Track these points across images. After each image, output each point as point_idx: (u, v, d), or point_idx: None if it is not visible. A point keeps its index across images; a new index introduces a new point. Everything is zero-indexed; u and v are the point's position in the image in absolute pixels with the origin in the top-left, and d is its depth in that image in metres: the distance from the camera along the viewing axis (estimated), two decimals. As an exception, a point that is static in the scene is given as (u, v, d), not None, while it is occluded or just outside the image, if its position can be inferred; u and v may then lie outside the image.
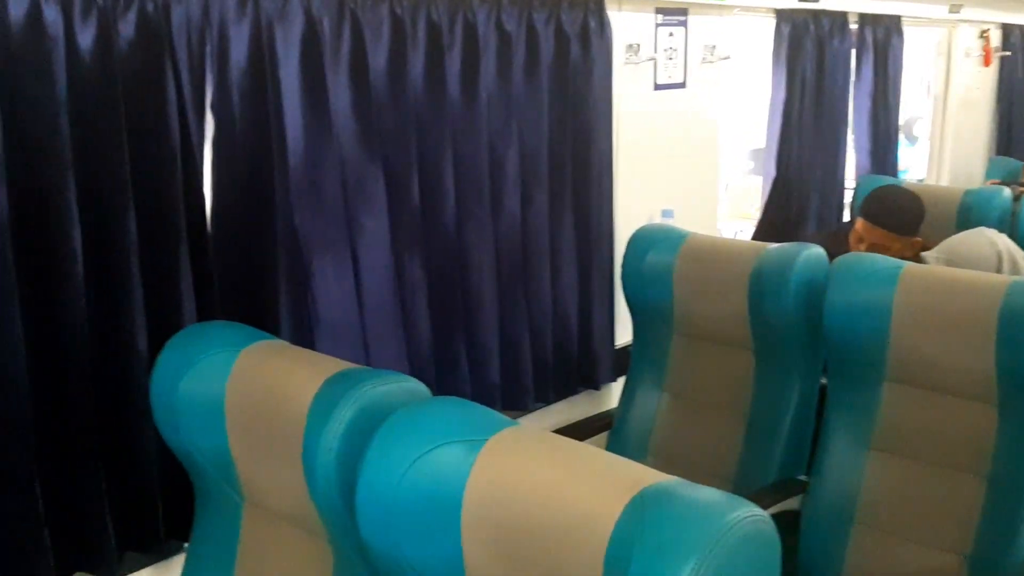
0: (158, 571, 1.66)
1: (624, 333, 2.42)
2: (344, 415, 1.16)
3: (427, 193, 1.93)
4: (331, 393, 1.20)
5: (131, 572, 1.62)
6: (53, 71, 1.36)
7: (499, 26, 2.00)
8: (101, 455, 1.51)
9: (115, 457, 1.53)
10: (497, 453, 1.04)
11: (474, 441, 1.06)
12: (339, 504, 1.16)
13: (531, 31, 2.07)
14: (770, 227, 3.14)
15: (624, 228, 2.35)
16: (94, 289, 1.46)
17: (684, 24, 2.61)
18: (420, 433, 1.09)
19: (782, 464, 1.98)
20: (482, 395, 2.08)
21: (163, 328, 1.50)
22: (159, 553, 1.64)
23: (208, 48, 1.55)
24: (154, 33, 1.46)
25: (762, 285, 1.98)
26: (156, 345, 1.44)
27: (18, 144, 1.35)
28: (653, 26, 2.51)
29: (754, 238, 3.12)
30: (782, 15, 3.03)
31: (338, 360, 1.30)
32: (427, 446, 1.06)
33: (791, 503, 1.92)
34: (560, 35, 2.14)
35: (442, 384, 2.01)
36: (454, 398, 1.16)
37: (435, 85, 1.90)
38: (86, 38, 1.40)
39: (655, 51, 2.53)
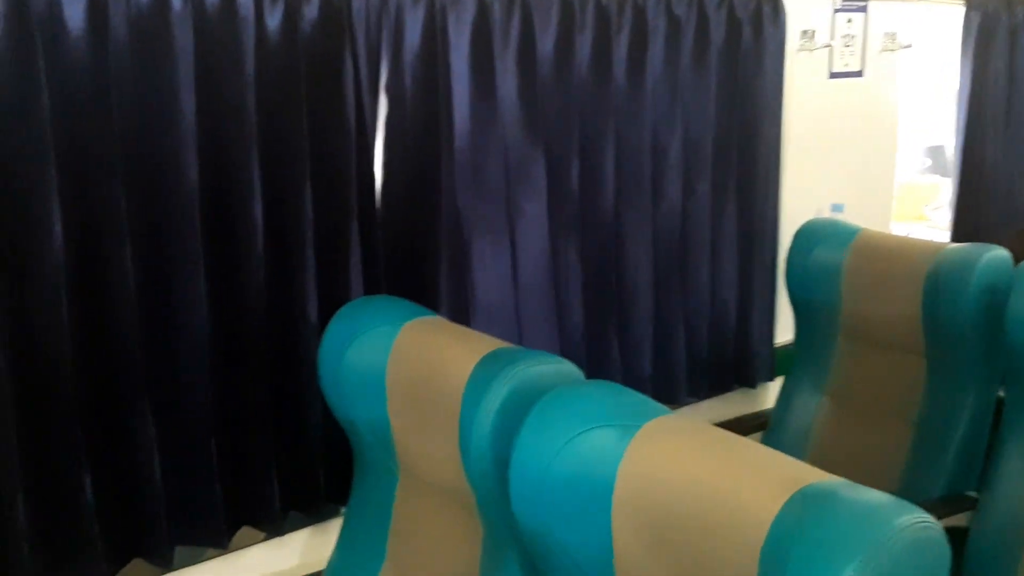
0: (317, 531, 1.75)
1: (784, 331, 2.33)
2: (499, 393, 1.17)
3: (587, 179, 1.92)
4: (487, 371, 1.21)
5: (292, 530, 1.72)
6: (243, 51, 1.44)
7: (669, 10, 1.97)
8: (271, 418, 1.60)
9: (283, 421, 1.62)
10: (652, 439, 1.03)
11: (628, 426, 1.04)
12: (492, 480, 1.18)
13: (702, 16, 2.03)
14: (962, 231, 2.93)
15: (790, 222, 2.25)
16: (271, 260, 1.54)
17: (864, 10, 2.48)
18: (574, 415, 1.08)
19: (951, 478, 1.85)
20: (632, 385, 2.02)
21: (332, 300, 1.57)
22: (318, 515, 1.72)
23: (385, 32, 1.60)
24: (336, 16, 1.53)
25: (939, 287, 1.85)
26: (325, 316, 1.50)
27: (209, 120, 1.44)
28: (831, 12, 2.40)
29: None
30: (972, 3, 2.82)
31: (494, 339, 1.31)
32: (580, 428, 1.06)
33: (959, 519, 1.80)
34: (732, 20, 2.08)
35: (592, 371, 1.99)
36: (608, 382, 1.15)
37: (601, 70, 1.89)
38: (274, 20, 1.48)
39: (831, 38, 2.41)
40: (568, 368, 1.21)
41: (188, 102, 1.42)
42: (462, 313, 1.78)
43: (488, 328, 1.75)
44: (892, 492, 0.78)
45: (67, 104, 1.34)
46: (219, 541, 1.58)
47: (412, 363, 1.37)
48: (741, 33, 2.11)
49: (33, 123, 1.31)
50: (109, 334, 1.43)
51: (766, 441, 2.15)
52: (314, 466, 1.65)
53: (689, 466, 0.99)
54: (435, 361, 1.33)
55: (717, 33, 2.07)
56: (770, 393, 2.35)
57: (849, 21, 2.45)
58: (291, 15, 1.49)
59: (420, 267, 1.74)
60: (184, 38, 1.39)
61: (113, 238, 1.40)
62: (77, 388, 1.40)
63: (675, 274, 2.12)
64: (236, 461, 1.57)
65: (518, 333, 1.86)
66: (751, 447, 1.01)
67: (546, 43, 1.81)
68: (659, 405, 1.09)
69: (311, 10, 1.52)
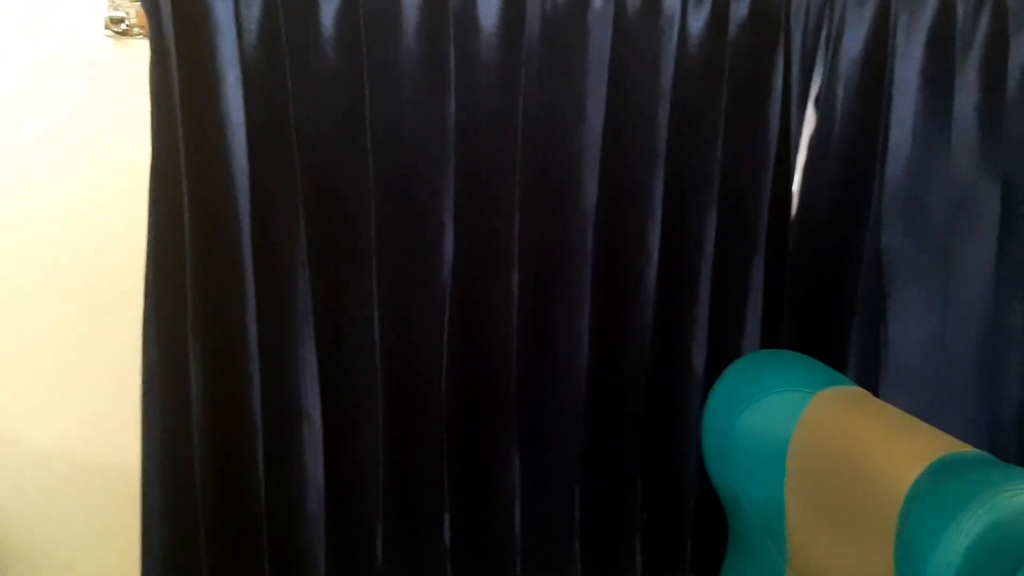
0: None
1: None
2: (970, 528, 0.87)
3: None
4: (946, 486, 0.92)
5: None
6: (662, 56, 1.26)
7: None
8: (641, 474, 1.41)
9: (654, 476, 1.42)
10: None
11: None
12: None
13: None
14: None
15: None
16: (661, 295, 1.35)
17: None
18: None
19: None
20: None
21: (723, 347, 1.35)
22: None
23: (824, 33, 1.34)
24: (771, 15, 1.29)
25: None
26: (712, 366, 1.29)
27: (615, 133, 1.28)
28: None
29: None
30: None
31: (943, 434, 1.02)
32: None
33: None
34: None
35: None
36: None
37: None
38: (698, 20, 1.27)
39: None
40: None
41: (596, 113, 1.26)
42: (870, 375, 1.47)
43: (897, 397, 1.43)
44: None
45: (471, 107, 1.25)
46: None
47: (825, 446, 1.10)
48: None
49: (438, 127, 1.23)
50: (485, 364, 1.32)
51: None
52: (682, 532, 1.44)
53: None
54: (860, 452, 1.05)
55: None
56: None
57: None
58: (718, 15, 1.27)
59: (829, 317, 1.45)
60: (601, 39, 1.23)
61: (502, 258, 1.29)
62: (447, 420, 1.32)
63: None
64: (599, 517, 1.40)
65: (935, 407, 1.51)
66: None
67: (1019, 52, 1.43)
68: None
69: (741, 8, 1.29)
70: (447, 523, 1.36)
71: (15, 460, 1.46)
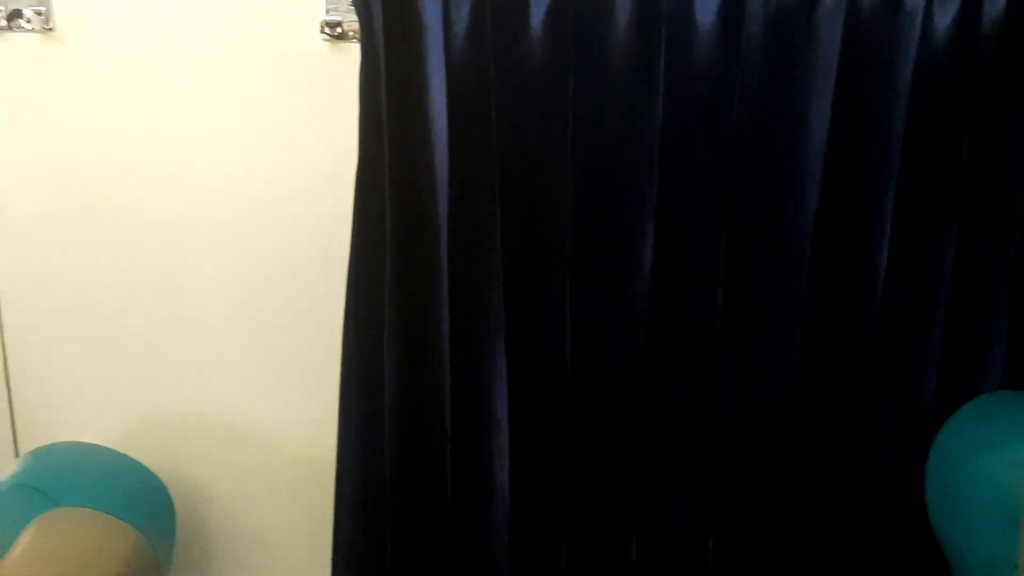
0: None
1: None
2: None
3: None
4: None
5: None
6: (899, 57, 1.12)
7: None
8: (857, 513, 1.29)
9: (871, 520, 1.30)
10: None
11: None
12: None
13: None
14: None
15: None
16: (887, 320, 1.22)
17: None
18: None
19: None
20: None
21: (957, 385, 1.20)
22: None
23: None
24: (1033, 8, 1.12)
25: None
26: (944, 403, 1.15)
27: (842, 139, 1.16)
28: None
29: None
30: None
31: None
32: None
33: None
34: None
35: None
36: None
37: None
38: (944, 17, 1.13)
39: None
40: None
41: (820, 119, 1.14)
42: None
43: None
44: None
45: (680, 111, 1.18)
46: None
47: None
48: None
49: (644, 131, 1.17)
50: (682, 383, 1.25)
51: None
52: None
53: None
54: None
55: None
56: None
57: None
58: (969, 11, 1.12)
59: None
60: (830, 39, 1.12)
61: (705, 273, 1.20)
62: (638, 437, 1.26)
63: None
64: (803, 546, 1.30)
65: None
66: None
67: None
68: None
69: (996, 4, 1.13)
70: (635, 542, 1.30)
71: (228, 446, 1.54)
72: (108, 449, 1.41)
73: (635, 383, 1.27)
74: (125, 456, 1.41)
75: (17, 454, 1.53)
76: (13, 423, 1.53)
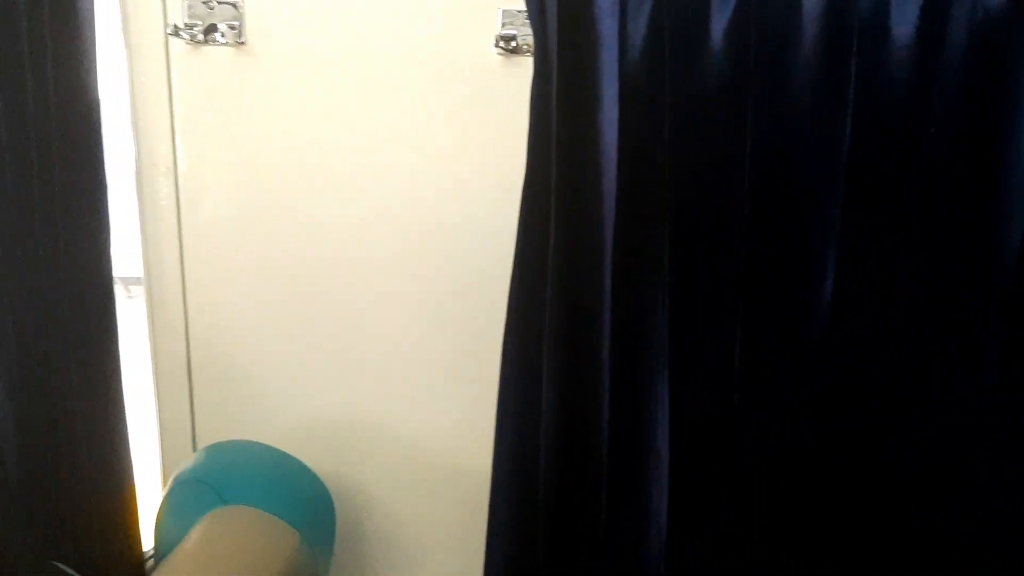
0: None
1: None
2: None
3: None
4: None
5: None
6: None
7: None
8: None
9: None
10: None
11: None
12: None
13: None
14: None
15: None
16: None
17: None
18: None
19: None
20: None
21: None
22: None
23: None
24: None
25: None
26: None
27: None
28: None
29: None
30: None
31: None
32: None
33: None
34: None
35: None
36: None
37: None
38: None
39: None
40: None
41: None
42: None
43: None
44: None
45: (870, 128, 1.08)
46: None
47: None
48: None
49: (829, 149, 1.09)
50: (864, 425, 1.15)
51: None
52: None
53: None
54: None
55: None
56: None
57: None
58: None
59: None
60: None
61: (893, 308, 1.10)
62: (811, 481, 1.17)
63: None
64: None
65: None
66: None
67: None
68: None
69: None
70: None
71: (390, 453, 1.56)
72: (276, 450, 1.46)
73: (808, 423, 1.18)
74: (292, 458, 1.45)
75: (194, 448, 1.61)
76: (193, 419, 1.61)
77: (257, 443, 1.49)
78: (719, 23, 1.11)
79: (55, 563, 1.15)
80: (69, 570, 1.15)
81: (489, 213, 1.39)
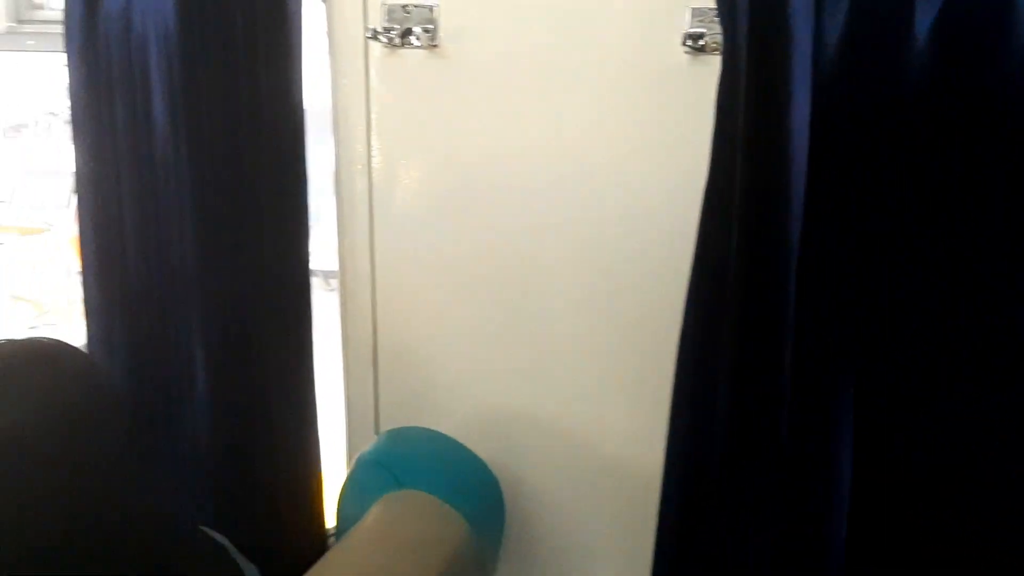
0: None
1: None
2: None
3: None
4: None
5: None
6: None
7: None
8: None
9: None
10: None
11: None
12: None
13: None
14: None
15: None
16: None
17: None
18: None
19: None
20: None
21: None
22: None
23: None
24: None
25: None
26: None
27: None
28: None
29: None
30: None
31: None
32: None
33: None
34: None
35: None
36: None
37: None
38: None
39: None
40: None
41: None
42: None
43: None
44: None
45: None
46: None
47: None
48: None
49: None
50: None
51: None
52: None
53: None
54: None
55: None
56: None
57: None
58: None
59: None
60: None
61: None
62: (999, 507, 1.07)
63: None
64: None
65: None
66: None
67: None
68: None
69: None
70: None
71: (562, 451, 1.57)
72: (452, 439, 1.50)
73: (1017, 449, 1.08)
74: (466, 449, 1.49)
75: (376, 432, 1.69)
76: (376, 404, 1.68)
77: (435, 431, 1.54)
78: (926, 17, 1.03)
79: (203, 528, 1.23)
80: (218, 536, 1.23)
81: (671, 214, 1.37)
